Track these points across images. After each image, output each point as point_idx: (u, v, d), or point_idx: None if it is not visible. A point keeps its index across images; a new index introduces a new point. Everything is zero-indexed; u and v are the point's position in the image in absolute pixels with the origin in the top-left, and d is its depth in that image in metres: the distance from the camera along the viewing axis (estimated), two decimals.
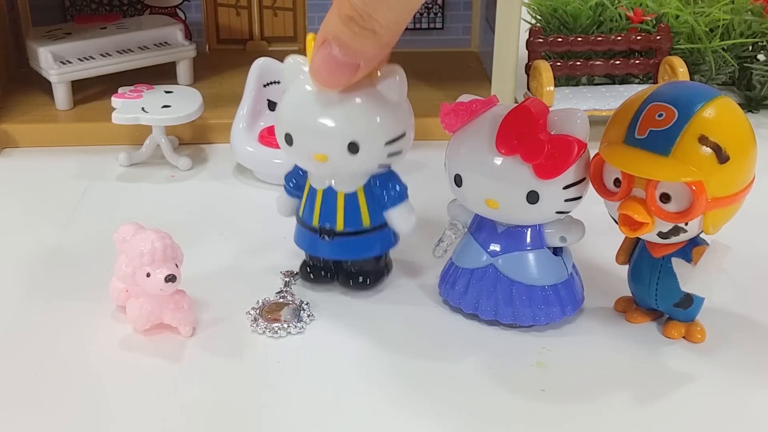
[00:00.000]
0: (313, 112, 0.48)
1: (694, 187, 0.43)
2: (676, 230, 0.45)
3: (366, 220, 0.52)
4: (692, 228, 0.46)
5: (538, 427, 0.44)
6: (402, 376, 0.48)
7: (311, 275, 0.54)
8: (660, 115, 0.44)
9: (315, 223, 0.52)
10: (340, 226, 0.52)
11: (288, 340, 0.50)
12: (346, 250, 0.53)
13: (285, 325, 0.51)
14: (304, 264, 0.55)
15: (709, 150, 0.43)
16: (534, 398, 0.46)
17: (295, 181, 0.53)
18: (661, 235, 0.46)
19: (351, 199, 0.51)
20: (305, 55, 0.49)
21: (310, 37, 0.48)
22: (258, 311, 0.52)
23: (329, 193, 0.51)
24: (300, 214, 0.53)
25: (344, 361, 0.49)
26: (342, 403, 0.46)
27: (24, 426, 0.44)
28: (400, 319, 0.52)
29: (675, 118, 0.44)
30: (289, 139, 0.49)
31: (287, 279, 0.55)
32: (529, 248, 0.49)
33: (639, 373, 0.48)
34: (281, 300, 0.53)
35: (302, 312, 0.52)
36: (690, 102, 0.44)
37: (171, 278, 0.47)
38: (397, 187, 0.52)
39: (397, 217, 0.52)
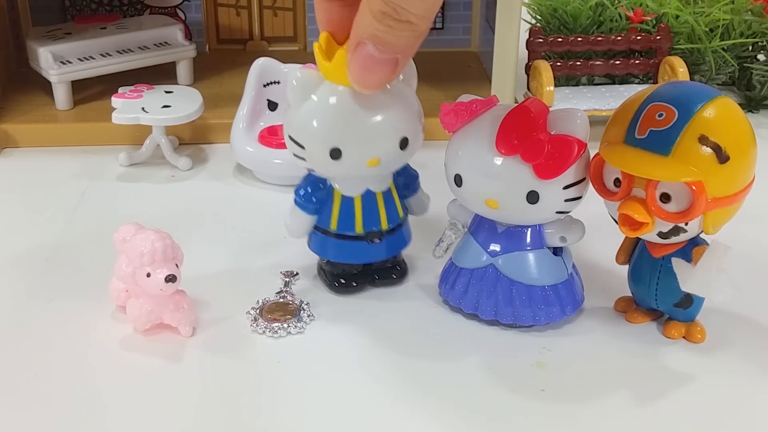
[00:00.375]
0: (364, 119, 0.47)
1: (694, 187, 0.43)
2: (676, 230, 0.45)
3: (400, 212, 0.53)
4: (692, 228, 0.46)
5: (538, 427, 0.44)
6: (402, 375, 0.48)
7: (344, 286, 0.53)
8: (660, 115, 0.44)
9: (359, 230, 0.51)
10: (384, 225, 0.52)
11: (288, 340, 0.50)
12: (393, 247, 0.53)
13: (285, 325, 0.51)
14: (332, 276, 0.54)
15: (709, 150, 0.43)
16: (534, 398, 0.46)
17: (317, 197, 0.51)
18: (661, 235, 0.46)
19: (388, 195, 0.52)
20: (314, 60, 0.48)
21: (317, 46, 0.46)
22: (258, 311, 0.52)
23: (369, 197, 0.51)
24: (333, 227, 0.52)
25: (344, 361, 0.49)
26: (342, 403, 0.46)
27: (24, 426, 0.44)
28: (400, 319, 0.52)
29: (675, 118, 0.44)
30: (336, 154, 0.48)
31: (287, 279, 0.55)
32: (529, 248, 0.49)
33: (639, 373, 0.48)
34: (281, 300, 0.53)
35: (302, 312, 0.52)
36: (690, 102, 0.44)
37: (171, 278, 0.47)
38: (414, 174, 0.53)
39: (420, 201, 0.54)
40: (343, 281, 0.53)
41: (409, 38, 0.43)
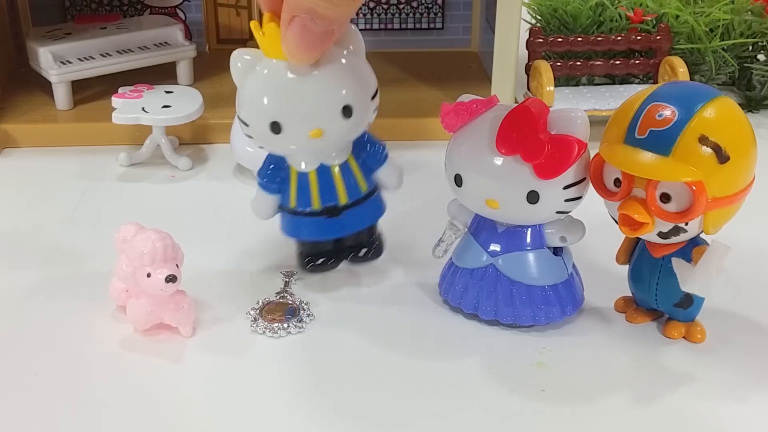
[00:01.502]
0: (298, 90, 0.47)
1: (694, 187, 0.43)
2: (676, 230, 0.45)
3: (363, 186, 0.51)
4: (692, 228, 0.46)
5: (538, 427, 0.44)
6: (402, 376, 0.48)
7: (314, 263, 0.53)
8: (660, 115, 0.44)
9: (316, 206, 0.51)
10: (343, 199, 0.51)
11: (288, 340, 0.50)
12: (354, 222, 0.52)
13: (285, 325, 0.51)
14: (303, 255, 0.54)
15: (709, 150, 0.43)
16: (534, 398, 0.46)
17: (276, 175, 0.51)
18: (661, 235, 0.46)
19: (345, 168, 0.51)
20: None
21: (254, 23, 0.47)
22: (258, 311, 0.52)
23: (323, 171, 0.50)
24: (292, 205, 0.51)
25: (344, 361, 0.49)
26: (342, 403, 0.46)
27: (24, 426, 0.44)
28: (400, 319, 0.52)
29: (675, 118, 0.44)
30: (276, 128, 0.48)
31: (287, 279, 0.55)
32: (529, 248, 0.49)
33: (639, 373, 0.48)
34: (281, 300, 0.53)
35: (302, 312, 0.52)
36: (690, 102, 0.44)
37: (171, 278, 0.47)
38: (379, 146, 0.52)
39: (387, 174, 0.52)
40: (312, 259, 0.53)
41: (347, 9, 0.43)
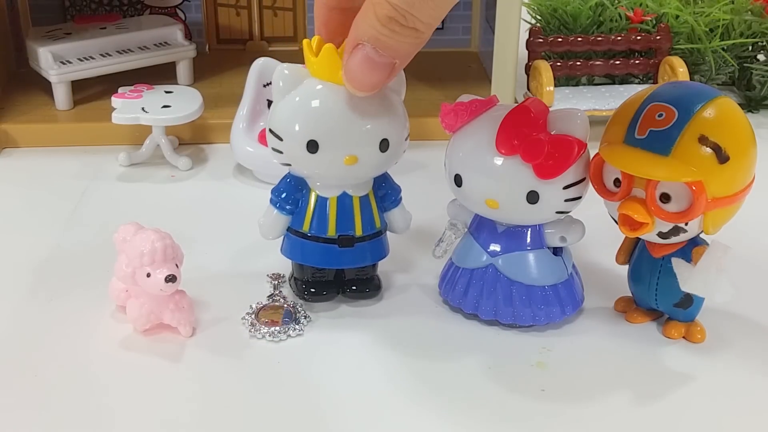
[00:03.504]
0: (343, 115, 0.47)
1: (694, 188, 0.43)
2: (676, 230, 0.45)
3: (378, 222, 0.51)
4: (692, 228, 0.46)
5: (538, 427, 0.44)
6: (402, 376, 0.48)
7: (313, 294, 0.52)
8: (660, 115, 0.44)
9: (332, 233, 0.50)
10: (359, 231, 0.51)
11: (288, 341, 0.50)
12: (365, 256, 0.52)
13: (285, 328, 0.50)
14: (302, 282, 0.53)
15: (709, 150, 0.43)
16: (534, 398, 0.46)
17: (294, 197, 0.51)
18: (661, 235, 0.46)
19: (365, 202, 0.51)
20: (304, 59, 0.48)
21: (306, 43, 0.47)
22: (253, 316, 0.51)
23: (344, 199, 0.50)
24: (305, 228, 0.51)
25: (344, 362, 0.49)
26: (342, 403, 0.46)
27: (24, 426, 0.44)
28: (400, 319, 0.52)
29: (675, 118, 0.44)
30: (313, 147, 0.47)
31: (275, 282, 0.55)
32: (529, 248, 0.49)
33: (639, 373, 0.48)
34: (276, 303, 0.53)
35: (298, 314, 0.52)
36: (690, 102, 0.44)
37: (171, 278, 0.47)
38: (396, 188, 0.52)
39: (398, 217, 0.52)
40: (313, 289, 0.52)
41: (411, 44, 0.43)
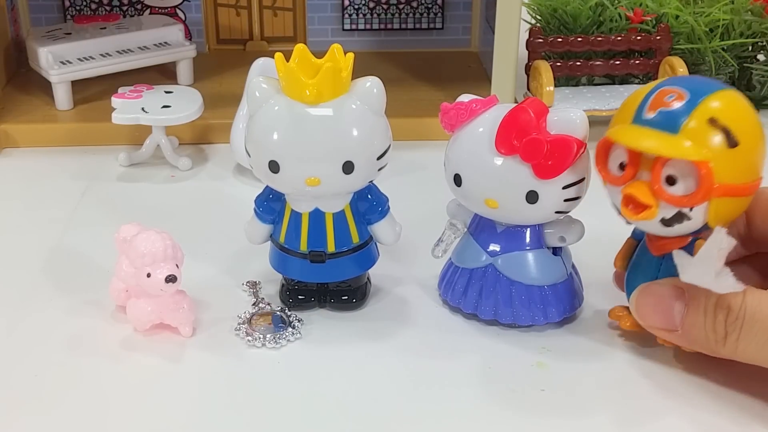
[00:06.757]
0: (303, 136, 0.46)
1: (701, 169, 0.42)
2: (679, 217, 0.44)
3: (355, 237, 0.50)
4: (696, 216, 0.44)
5: (538, 426, 0.44)
6: (401, 376, 0.48)
7: (296, 300, 0.52)
8: (670, 97, 0.43)
9: (303, 248, 0.50)
10: (331, 247, 0.50)
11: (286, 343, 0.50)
12: (338, 272, 0.51)
13: (285, 333, 0.50)
14: (286, 289, 0.53)
15: (719, 132, 0.42)
16: (534, 398, 0.46)
17: (272, 207, 0.50)
18: (664, 222, 0.44)
19: (339, 218, 0.50)
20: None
21: (279, 56, 0.46)
22: (246, 325, 0.51)
23: (317, 215, 0.49)
24: (281, 240, 0.51)
25: (343, 362, 0.49)
26: (341, 403, 0.46)
27: (24, 426, 0.44)
28: (399, 319, 0.52)
29: (686, 99, 0.43)
30: (274, 167, 0.47)
31: (253, 290, 0.54)
32: (528, 248, 0.49)
33: (639, 373, 0.48)
34: (267, 310, 0.52)
35: (290, 317, 0.51)
36: (701, 89, 0.43)
37: (171, 278, 0.47)
38: (381, 199, 0.51)
39: (384, 229, 0.51)
40: (298, 297, 0.52)
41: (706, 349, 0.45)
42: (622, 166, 0.45)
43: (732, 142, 0.42)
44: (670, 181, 0.43)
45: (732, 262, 0.43)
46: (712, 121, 0.42)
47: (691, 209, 0.43)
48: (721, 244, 0.42)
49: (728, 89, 0.44)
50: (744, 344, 0.43)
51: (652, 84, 0.45)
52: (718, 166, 0.42)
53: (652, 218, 0.44)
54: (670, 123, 0.43)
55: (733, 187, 0.43)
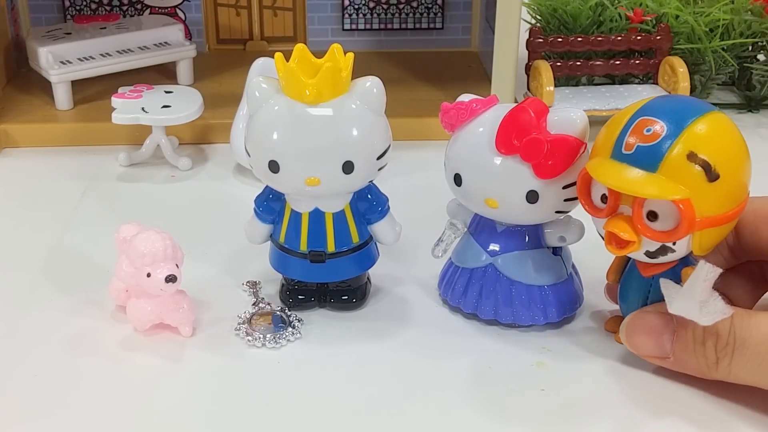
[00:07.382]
0: (303, 135, 0.46)
1: (681, 206, 0.42)
2: (663, 250, 0.44)
3: (355, 237, 0.50)
4: (680, 248, 0.44)
5: (538, 427, 0.44)
6: (401, 376, 0.48)
7: (296, 299, 0.52)
8: (648, 130, 0.42)
9: (303, 248, 0.50)
10: (331, 247, 0.50)
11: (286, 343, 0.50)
12: (338, 271, 0.51)
13: (285, 333, 0.50)
14: (286, 289, 0.53)
15: (698, 167, 0.42)
16: (534, 398, 0.46)
17: (272, 207, 0.50)
18: (648, 254, 0.44)
19: (339, 218, 0.50)
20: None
21: (278, 56, 0.46)
22: (246, 325, 0.51)
23: (316, 215, 0.49)
24: (281, 240, 0.51)
25: (343, 362, 0.49)
26: (341, 403, 0.46)
27: (24, 426, 0.44)
28: (399, 319, 0.52)
29: (663, 134, 0.42)
30: (274, 167, 0.47)
31: (253, 290, 0.54)
32: (528, 248, 0.49)
33: (639, 373, 0.48)
34: (267, 310, 0.52)
35: (290, 317, 0.51)
36: (680, 117, 0.42)
37: (171, 278, 0.47)
38: (381, 199, 0.51)
39: (384, 229, 0.51)
40: (298, 297, 0.52)
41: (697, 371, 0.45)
42: (604, 198, 0.44)
43: (712, 176, 0.42)
44: (652, 216, 0.43)
45: (722, 273, 0.43)
46: (692, 156, 0.42)
47: (674, 243, 0.43)
48: (706, 275, 0.42)
49: (709, 113, 0.43)
50: (737, 369, 0.44)
51: (634, 107, 0.44)
52: (699, 202, 0.42)
53: (636, 251, 0.44)
54: (648, 160, 0.42)
55: (715, 219, 0.43)
